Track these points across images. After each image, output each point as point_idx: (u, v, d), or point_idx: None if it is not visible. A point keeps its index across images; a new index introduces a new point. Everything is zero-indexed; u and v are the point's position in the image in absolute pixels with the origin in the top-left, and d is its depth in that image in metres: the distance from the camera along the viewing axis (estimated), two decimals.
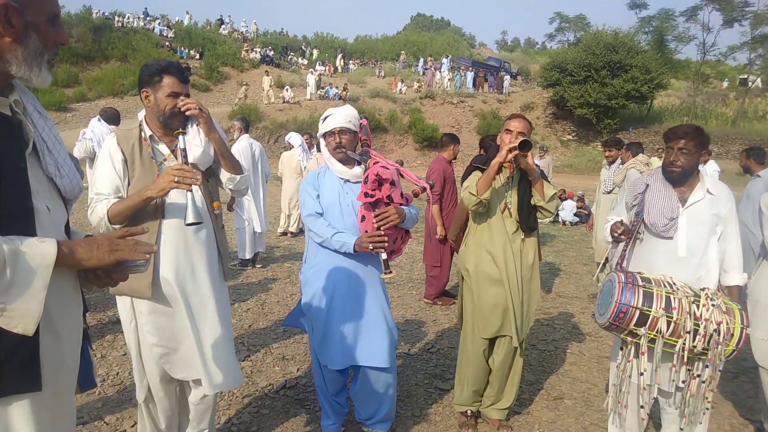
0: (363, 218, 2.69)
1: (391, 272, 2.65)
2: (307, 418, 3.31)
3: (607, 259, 3.21)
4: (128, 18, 34.56)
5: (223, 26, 39.21)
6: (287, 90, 26.74)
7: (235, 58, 32.54)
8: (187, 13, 38.86)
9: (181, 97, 2.32)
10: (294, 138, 9.06)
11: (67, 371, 1.39)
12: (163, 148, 2.40)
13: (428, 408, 3.52)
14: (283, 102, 26.09)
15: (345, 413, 3.13)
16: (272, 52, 35.54)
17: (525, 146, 2.77)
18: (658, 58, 29.10)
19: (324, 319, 2.81)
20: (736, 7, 29.80)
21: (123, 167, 2.32)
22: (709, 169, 10.73)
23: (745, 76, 33.56)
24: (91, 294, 5.07)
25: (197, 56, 31.79)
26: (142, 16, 35.79)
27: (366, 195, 2.61)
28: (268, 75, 27.08)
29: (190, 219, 2.13)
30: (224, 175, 2.54)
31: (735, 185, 5.87)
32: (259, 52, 34.53)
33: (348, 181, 2.84)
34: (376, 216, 2.61)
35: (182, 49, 32.24)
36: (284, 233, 9.21)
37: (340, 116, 2.79)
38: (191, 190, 2.17)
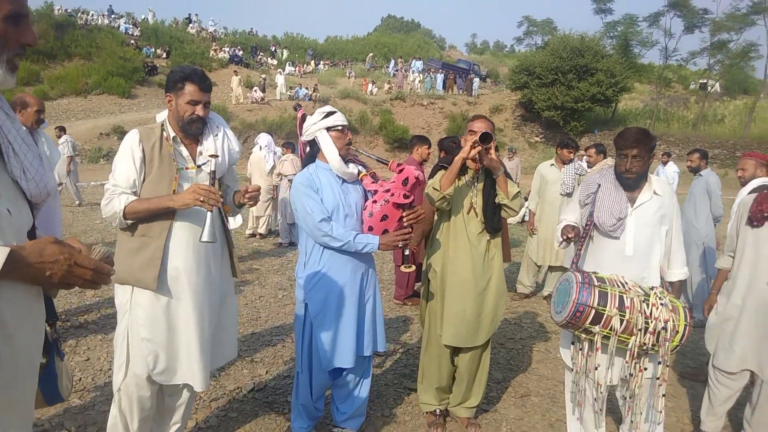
0: (384, 217, 2.73)
1: (412, 266, 2.86)
2: (276, 420, 3.29)
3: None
4: (92, 15, 33.64)
5: (191, 25, 38.56)
6: (255, 90, 26.46)
7: (203, 58, 31.97)
8: (150, 10, 38.03)
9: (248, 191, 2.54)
10: (261, 138, 8.97)
11: (21, 383, 1.32)
12: (183, 150, 2.48)
13: (398, 407, 3.54)
14: (252, 102, 25.83)
15: (320, 416, 3.12)
16: (241, 52, 35.11)
17: (486, 139, 2.80)
18: (622, 63, 29.79)
19: (336, 319, 2.80)
20: (696, 14, 30.77)
21: (141, 164, 2.39)
22: (669, 170, 11.03)
23: (705, 81, 34.66)
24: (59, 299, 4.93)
25: (164, 55, 31.20)
26: (106, 13, 34.91)
27: (405, 197, 2.70)
28: (236, 75, 26.76)
29: (206, 237, 2.25)
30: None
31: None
32: (228, 52, 34.08)
33: (345, 181, 2.83)
34: (407, 215, 2.73)
35: (149, 47, 31.58)
36: (252, 235, 9.12)
37: (341, 114, 2.83)
38: (212, 211, 2.26)
